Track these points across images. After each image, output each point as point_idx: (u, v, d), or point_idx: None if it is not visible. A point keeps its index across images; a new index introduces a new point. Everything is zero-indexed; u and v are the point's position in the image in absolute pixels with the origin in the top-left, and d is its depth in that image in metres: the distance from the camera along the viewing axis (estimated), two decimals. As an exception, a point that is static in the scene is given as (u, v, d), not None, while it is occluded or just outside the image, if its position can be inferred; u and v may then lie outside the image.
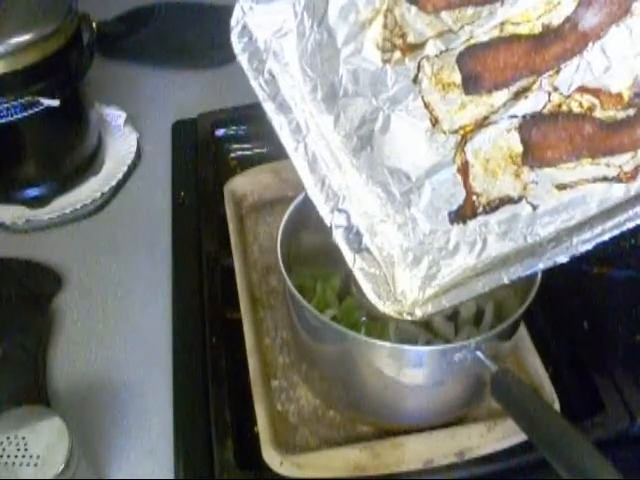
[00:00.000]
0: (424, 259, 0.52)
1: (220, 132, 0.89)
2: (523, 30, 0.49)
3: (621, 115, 0.47)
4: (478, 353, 0.50)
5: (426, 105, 0.52)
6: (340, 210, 0.53)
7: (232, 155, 0.89)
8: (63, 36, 0.74)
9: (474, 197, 0.51)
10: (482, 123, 0.50)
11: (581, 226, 0.47)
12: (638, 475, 0.56)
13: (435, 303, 0.50)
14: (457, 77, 0.51)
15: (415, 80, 0.52)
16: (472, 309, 0.62)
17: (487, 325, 0.60)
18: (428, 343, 0.60)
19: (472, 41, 0.50)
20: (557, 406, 0.58)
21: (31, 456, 0.49)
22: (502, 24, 0.49)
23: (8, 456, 0.49)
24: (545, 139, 0.49)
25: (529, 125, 0.49)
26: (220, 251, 0.73)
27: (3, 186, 0.82)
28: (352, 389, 0.59)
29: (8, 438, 0.50)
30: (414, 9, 0.51)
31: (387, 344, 0.52)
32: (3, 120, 0.72)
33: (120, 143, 0.91)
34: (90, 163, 0.86)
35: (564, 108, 0.48)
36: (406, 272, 0.52)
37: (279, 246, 0.57)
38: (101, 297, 0.73)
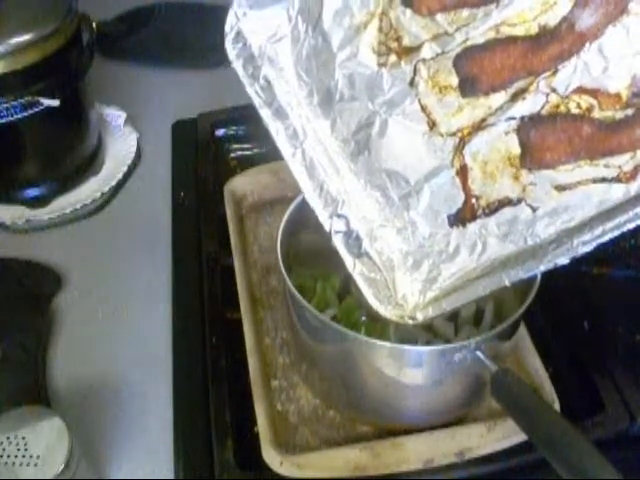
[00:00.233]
0: (424, 263, 0.52)
1: (220, 132, 0.89)
2: (519, 31, 0.48)
3: (619, 115, 0.47)
4: (478, 353, 0.51)
5: (423, 108, 0.51)
6: (339, 215, 0.53)
7: (232, 155, 0.89)
8: (63, 36, 0.74)
9: (473, 200, 0.51)
10: (480, 125, 0.50)
11: (581, 227, 0.47)
12: (638, 475, 0.56)
13: (436, 306, 0.50)
14: (454, 80, 0.50)
15: (411, 83, 0.51)
16: (472, 309, 0.62)
17: (487, 325, 0.60)
18: (428, 343, 0.60)
19: (468, 43, 0.49)
20: (557, 406, 0.58)
21: (31, 456, 0.49)
22: (498, 26, 0.48)
23: (8, 456, 0.49)
24: (543, 141, 0.49)
25: (527, 127, 0.49)
26: (220, 251, 0.73)
27: (3, 186, 0.82)
28: (352, 389, 0.59)
29: (8, 438, 0.50)
30: (409, 12, 0.50)
31: (387, 344, 0.52)
32: (3, 120, 0.72)
33: (120, 143, 0.91)
34: (90, 163, 0.86)
35: (562, 109, 0.48)
36: (406, 276, 0.52)
37: (279, 246, 0.57)
38: (101, 297, 0.73)
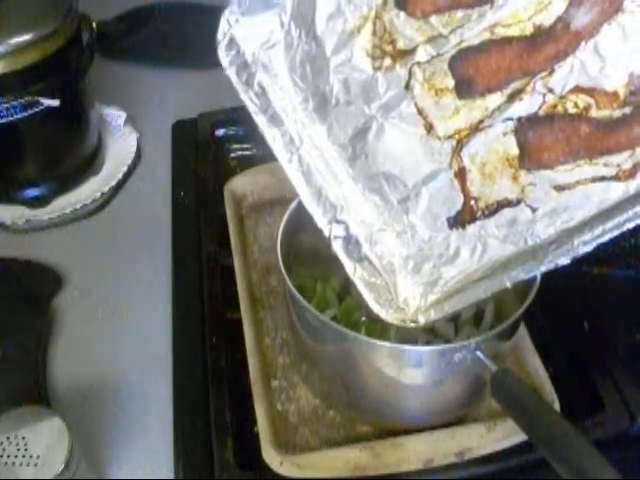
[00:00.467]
0: (425, 266, 0.52)
1: (220, 132, 0.89)
2: (514, 32, 0.48)
3: (617, 114, 0.46)
4: (478, 353, 0.50)
5: (419, 111, 0.51)
6: (338, 221, 0.53)
7: (232, 155, 0.89)
8: (63, 36, 0.74)
9: (472, 202, 0.51)
10: (477, 127, 0.50)
11: (581, 227, 0.47)
12: (638, 475, 0.56)
13: (438, 309, 0.50)
14: (450, 82, 0.50)
15: (407, 87, 0.51)
16: (472, 309, 0.62)
17: (487, 325, 0.60)
18: (428, 343, 0.60)
19: (463, 45, 0.49)
20: (557, 406, 0.58)
21: (31, 456, 0.49)
22: (493, 26, 0.48)
23: (8, 456, 0.49)
24: (541, 141, 0.48)
25: (525, 128, 0.49)
26: (220, 251, 0.73)
27: (3, 186, 0.82)
28: (352, 389, 0.59)
29: (8, 438, 0.50)
30: (403, 15, 0.50)
31: (387, 344, 0.52)
32: (3, 120, 0.72)
33: (120, 143, 0.91)
34: (90, 163, 0.86)
35: (559, 109, 0.48)
36: (407, 279, 0.52)
37: (279, 246, 0.57)
38: (101, 297, 0.73)
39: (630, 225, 0.45)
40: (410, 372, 0.54)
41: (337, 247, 0.52)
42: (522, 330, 0.62)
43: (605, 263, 0.71)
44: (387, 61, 0.51)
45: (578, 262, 0.47)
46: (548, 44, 0.47)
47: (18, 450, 0.49)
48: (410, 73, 0.51)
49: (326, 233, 0.52)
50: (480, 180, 0.50)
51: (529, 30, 0.48)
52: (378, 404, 0.59)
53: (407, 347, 0.52)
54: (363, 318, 0.61)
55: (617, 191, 0.47)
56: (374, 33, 0.51)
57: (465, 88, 0.50)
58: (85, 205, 0.83)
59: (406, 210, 0.52)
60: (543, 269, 0.48)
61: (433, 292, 0.51)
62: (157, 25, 1.05)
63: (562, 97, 0.48)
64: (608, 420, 0.59)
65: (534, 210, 0.49)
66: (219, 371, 0.63)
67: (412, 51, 0.50)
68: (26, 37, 0.71)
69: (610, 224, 0.45)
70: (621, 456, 0.56)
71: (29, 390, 0.63)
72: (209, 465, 0.57)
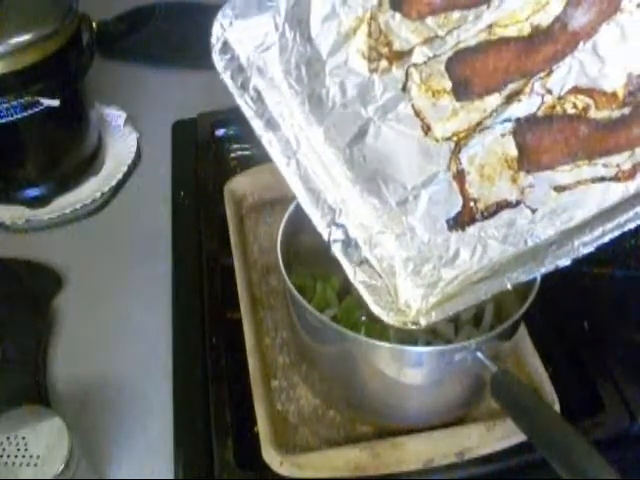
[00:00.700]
0: (425, 267, 0.52)
1: (220, 132, 0.89)
2: (512, 32, 0.48)
3: (616, 114, 0.46)
4: (478, 354, 0.50)
5: (417, 113, 0.51)
6: (337, 224, 0.52)
7: (232, 155, 0.89)
8: (63, 36, 0.75)
9: (471, 203, 0.51)
10: (475, 129, 0.50)
11: (581, 228, 0.47)
12: (638, 475, 0.56)
13: (439, 311, 0.50)
14: (447, 83, 0.50)
15: (404, 88, 0.51)
16: (472, 310, 0.62)
17: (487, 326, 0.60)
18: (428, 343, 0.60)
19: (460, 46, 0.49)
20: (557, 406, 0.58)
21: (31, 456, 0.49)
22: (490, 27, 0.48)
23: (8, 456, 0.49)
24: (540, 142, 0.48)
25: (523, 129, 0.49)
26: (220, 251, 0.73)
27: (3, 186, 0.82)
28: (352, 389, 0.59)
29: (8, 438, 0.50)
30: (398, 16, 0.50)
31: (387, 344, 0.52)
32: (3, 120, 0.72)
33: (120, 143, 0.91)
34: (90, 163, 0.86)
35: (558, 110, 0.48)
36: (408, 282, 0.52)
37: (279, 246, 0.57)
38: (101, 297, 0.73)
39: (630, 226, 0.45)
40: (410, 372, 0.54)
41: (336, 250, 0.52)
42: (522, 330, 0.62)
43: (605, 263, 0.71)
44: (383, 63, 0.51)
45: (578, 262, 0.47)
46: (546, 44, 0.47)
47: (18, 450, 0.49)
48: (407, 75, 0.51)
49: (325, 237, 0.52)
50: (479, 182, 0.50)
51: (527, 30, 0.47)
52: (378, 404, 0.59)
53: (407, 347, 0.52)
54: (363, 318, 0.61)
55: (617, 192, 0.47)
56: (369, 35, 0.51)
57: (462, 90, 0.50)
58: (85, 205, 0.83)
59: (405, 212, 0.52)
60: (543, 270, 0.47)
61: (433, 294, 0.51)
62: (157, 25, 1.06)
63: (561, 98, 0.47)
64: (608, 420, 0.59)
65: (534, 211, 0.49)
66: (219, 371, 0.63)
67: (408, 53, 0.50)
68: (26, 37, 0.71)
69: (610, 225, 0.45)
70: (621, 456, 0.56)
71: (29, 390, 0.63)
72: (209, 465, 0.57)
